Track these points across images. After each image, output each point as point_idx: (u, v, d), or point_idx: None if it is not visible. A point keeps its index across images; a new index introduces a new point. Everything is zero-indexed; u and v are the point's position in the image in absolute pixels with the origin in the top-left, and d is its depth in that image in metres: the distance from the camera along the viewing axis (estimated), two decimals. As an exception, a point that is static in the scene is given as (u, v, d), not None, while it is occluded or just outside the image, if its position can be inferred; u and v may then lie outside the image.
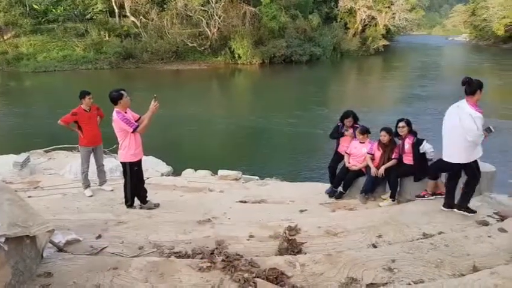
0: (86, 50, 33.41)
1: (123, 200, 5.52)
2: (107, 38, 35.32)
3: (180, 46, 35.58)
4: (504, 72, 30.77)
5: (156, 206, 5.62)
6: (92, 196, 6.12)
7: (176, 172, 8.80)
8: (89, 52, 33.25)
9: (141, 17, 36.03)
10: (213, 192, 6.52)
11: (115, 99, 5.07)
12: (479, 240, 3.89)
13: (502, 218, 4.46)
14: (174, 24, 35.66)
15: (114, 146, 9.01)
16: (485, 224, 4.37)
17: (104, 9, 36.30)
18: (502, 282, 2.99)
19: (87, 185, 6.25)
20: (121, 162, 5.39)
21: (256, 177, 8.21)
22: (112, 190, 6.36)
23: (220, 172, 8.19)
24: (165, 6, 36.50)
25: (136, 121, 5.21)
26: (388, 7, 47.44)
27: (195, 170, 8.83)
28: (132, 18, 36.25)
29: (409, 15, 49.85)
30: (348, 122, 5.96)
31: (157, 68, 33.48)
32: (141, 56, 34.29)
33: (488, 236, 3.96)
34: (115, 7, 36.12)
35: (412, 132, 5.48)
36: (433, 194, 5.35)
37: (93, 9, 35.84)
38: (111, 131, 5.85)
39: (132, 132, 5.08)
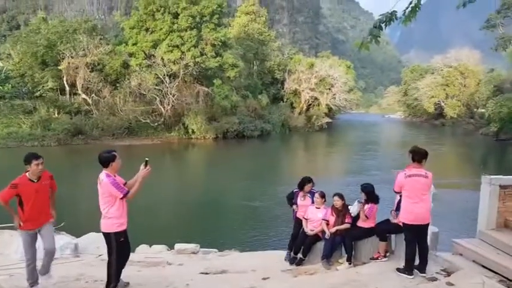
0: (33, 127, 32.43)
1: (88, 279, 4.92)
2: (56, 115, 34.77)
3: (132, 122, 35.81)
4: (434, 145, 34.03)
5: (126, 285, 4.94)
6: None
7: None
8: (36, 129, 32.29)
9: (93, 94, 36.28)
10: (172, 266, 6.35)
11: (107, 161, 4.47)
12: (430, 294, 4.18)
13: (449, 274, 4.84)
14: (126, 102, 36.23)
15: (62, 224, 8.57)
16: (434, 279, 4.71)
17: (55, 87, 36.21)
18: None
19: (32, 281, 4.83)
20: (105, 234, 4.55)
21: (215, 250, 8.11)
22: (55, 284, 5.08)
23: (177, 246, 8.00)
24: (117, 85, 37.28)
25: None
26: (329, 89, 52.52)
27: (150, 246, 8.55)
28: (84, 96, 36.34)
29: (348, 95, 55.37)
30: (308, 187, 6.32)
31: (108, 144, 32.89)
32: (91, 133, 33.83)
33: (438, 290, 4.27)
34: (66, 85, 36.22)
35: (372, 198, 5.90)
36: (385, 255, 5.69)
37: (43, 86, 35.61)
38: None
39: (122, 198, 4.47)
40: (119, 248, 4.54)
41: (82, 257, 6.91)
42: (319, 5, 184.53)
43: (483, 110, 48.90)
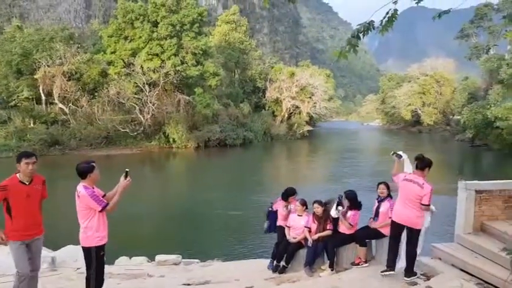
0: (8, 138, 31.47)
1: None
2: (32, 125, 33.84)
3: (111, 131, 35.18)
4: (413, 152, 34.74)
5: None
6: None
7: (108, 262, 8.23)
8: (11, 140, 31.32)
9: (70, 104, 35.55)
10: (153, 277, 6.22)
11: (84, 172, 4.24)
12: (411, 298, 4.23)
13: (428, 278, 4.92)
14: (105, 111, 35.63)
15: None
16: (414, 284, 4.78)
17: (30, 97, 35.27)
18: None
19: None
20: (84, 248, 4.32)
21: (197, 260, 8.00)
22: None
23: (158, 257, 7.83)
24: (96, 93, 36.65)
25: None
26: (310, 97, 53.24)
27: (130, 258, 8.36)
28: (60, 106, 35.53)
29: (328, 104, 56.25)
30: (291, 199, 6.36)
31: (85, 154, 32.17)
32: (68, 143, 33.06)
33: (419, 294, 4.33)
34: (42, 94, 35.37)
35: (355, 205, 5.95)
36: (366, 261, 5.74)
37: (18, 96, 34.64)
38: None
39: (100, 211, 4.24)
40: (99, 263, 4.35)
41: (60, 270, 6.69)
42: (298, 15, 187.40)
43: (459, 117, 50.19)
